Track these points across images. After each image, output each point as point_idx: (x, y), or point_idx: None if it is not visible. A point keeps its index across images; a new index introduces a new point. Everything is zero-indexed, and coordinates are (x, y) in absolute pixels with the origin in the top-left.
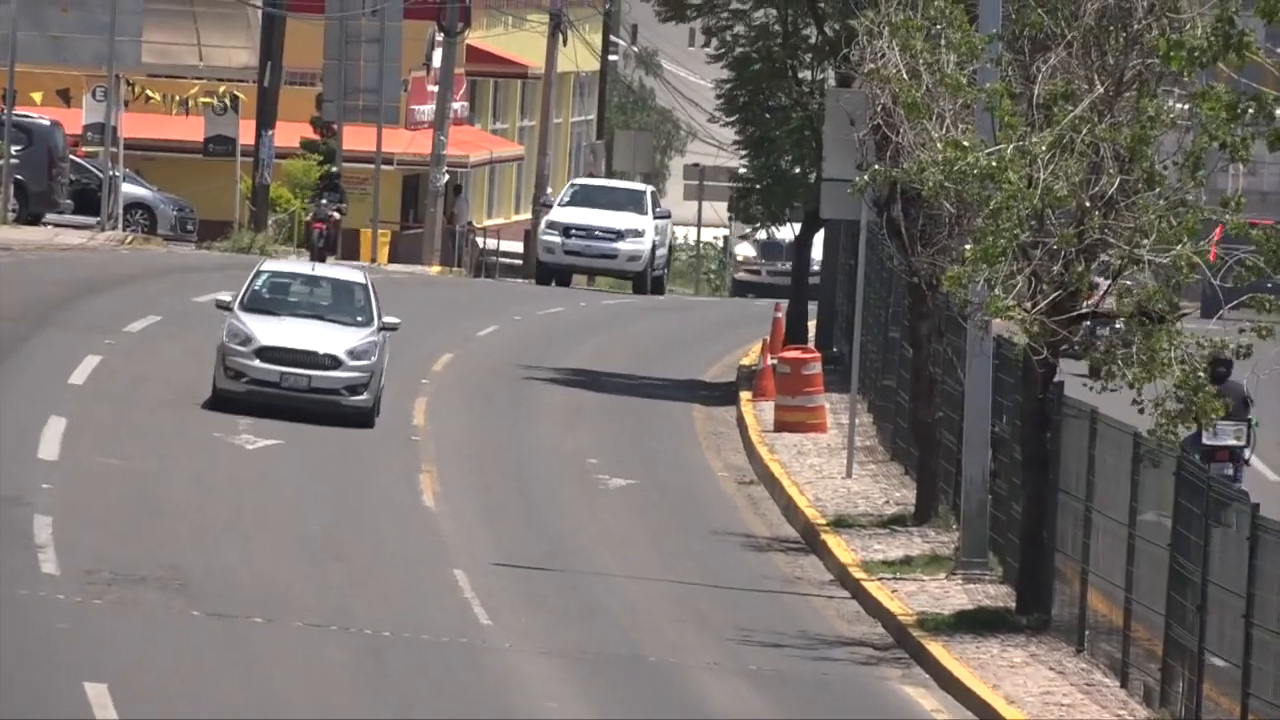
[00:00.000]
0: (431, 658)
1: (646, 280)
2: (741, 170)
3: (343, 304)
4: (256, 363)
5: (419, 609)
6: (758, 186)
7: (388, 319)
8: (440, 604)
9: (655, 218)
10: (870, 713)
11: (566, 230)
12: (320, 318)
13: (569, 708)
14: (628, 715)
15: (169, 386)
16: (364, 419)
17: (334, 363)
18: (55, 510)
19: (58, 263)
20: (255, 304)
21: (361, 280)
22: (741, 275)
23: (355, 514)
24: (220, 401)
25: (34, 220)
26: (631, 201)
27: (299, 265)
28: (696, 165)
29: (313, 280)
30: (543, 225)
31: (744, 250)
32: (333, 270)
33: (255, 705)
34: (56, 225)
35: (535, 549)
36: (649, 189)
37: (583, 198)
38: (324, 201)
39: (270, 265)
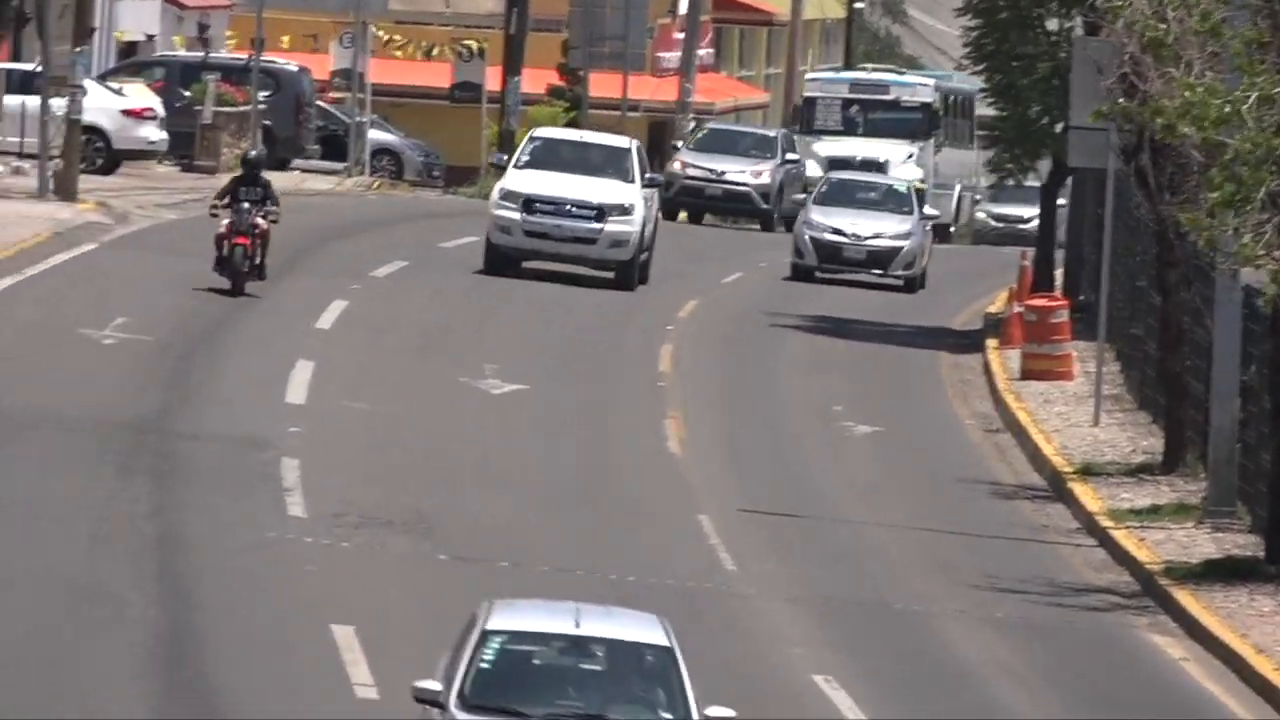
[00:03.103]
0: (676, 603)
1: (634, 271)
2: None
3: None
4: None
5: (664, 554)
6: (1004, 134)
7: None
8: (685, 549)
9: (644, 185)
10: (1117, 661)
11: (529, 204)
12: None
13: (814, 654)
14: (872, 661)
15: (415, 331)
16: None
17: None
18: (303, 453)
19: (305, 208)
20: None
21: None
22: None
23: (601, 459)
24: None
25: (281, 165)
26: (612, 163)
27: None
28: None
29: None
30: (495, 193)
31: (808, 170)
32: None
33: None
34: (304, 170)
35: (781, 495)
36: (634, 144)
37: (547, 156)
38: (245, 205)
39: None
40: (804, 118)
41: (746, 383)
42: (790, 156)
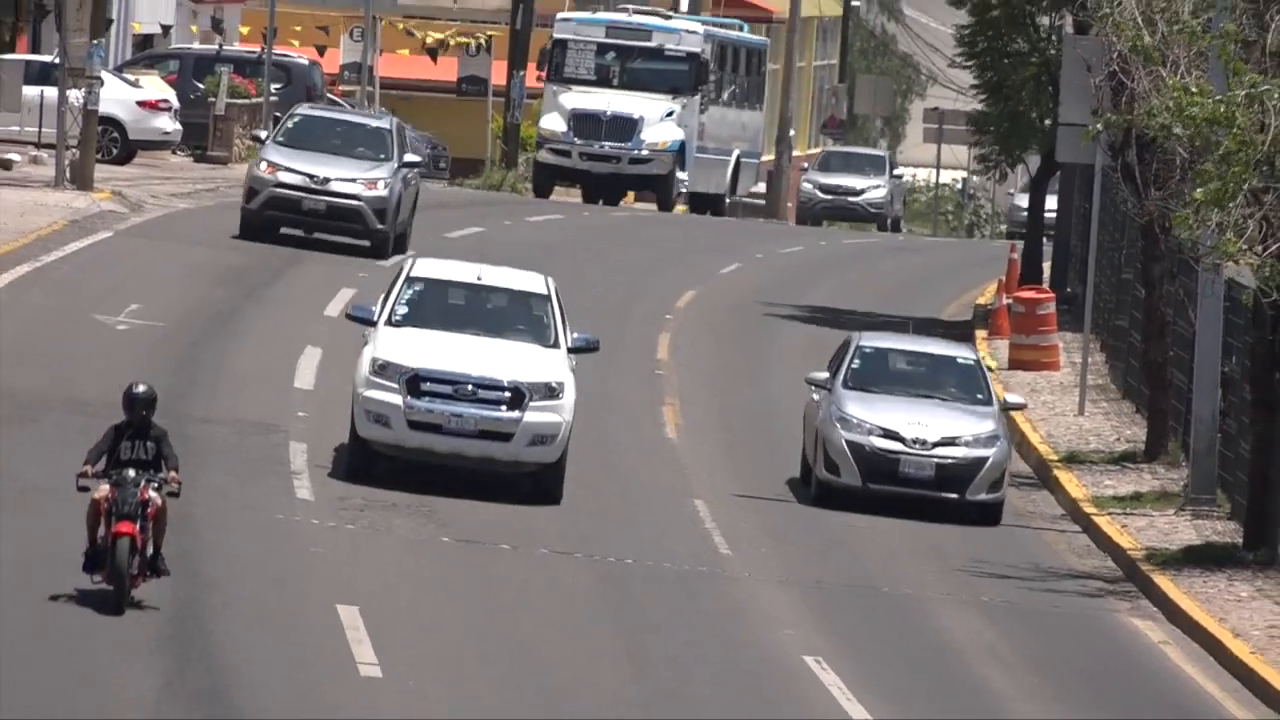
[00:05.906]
0: (671, 585)
1: (560, 477)
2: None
3: None
4: None
5: (660, 538)
6: (993, 129)
7: None
8: (681, 534)
9: (572, 348)
10: (1099, 644)
11: (414, 383)
12: None
13: (805, 636)
14: (861, 642)
15: None
16: None
17: None
18: (310, 438)
19: None
20: None
21: None
22: (545, 156)
23: (599, 445)
24: None
25: None
26: (523, 314)
27: None
28: (936, 109)
29: None
30: (362, 365)
31: (550, 124)
32: None
33: (501, 628)
34: None
35: (775, 482)
36: (551, 284)
37: (431, 306)
38: (131, 472)
39: None
40: (552, 63)
41: (742, 371)
42: (409, 158)
